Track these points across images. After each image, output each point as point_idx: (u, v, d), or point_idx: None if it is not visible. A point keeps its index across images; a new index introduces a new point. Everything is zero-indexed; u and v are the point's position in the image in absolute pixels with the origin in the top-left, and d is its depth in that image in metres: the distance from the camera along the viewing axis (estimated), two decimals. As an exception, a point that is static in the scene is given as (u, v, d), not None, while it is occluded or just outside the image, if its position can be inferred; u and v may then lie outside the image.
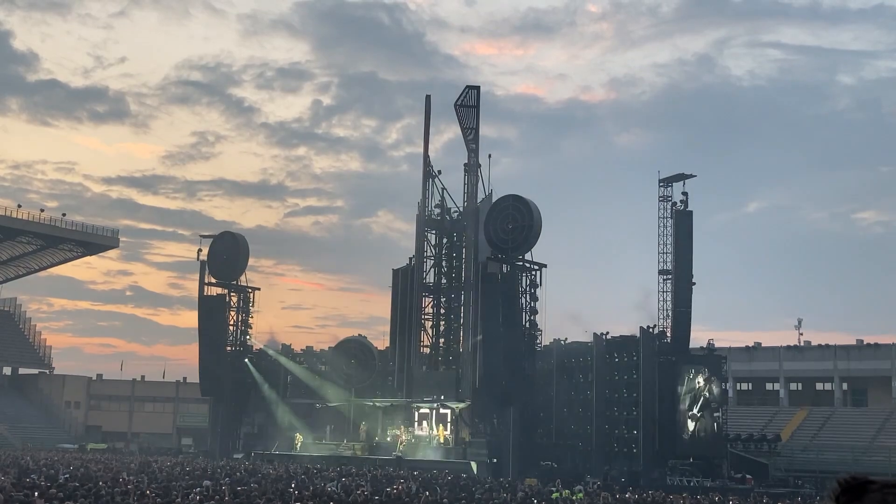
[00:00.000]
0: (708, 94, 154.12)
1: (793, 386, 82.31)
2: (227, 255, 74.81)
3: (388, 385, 70.06)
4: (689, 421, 59.00)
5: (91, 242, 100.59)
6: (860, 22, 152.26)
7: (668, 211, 63.60)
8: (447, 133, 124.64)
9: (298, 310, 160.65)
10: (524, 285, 59.61)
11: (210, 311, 73.99)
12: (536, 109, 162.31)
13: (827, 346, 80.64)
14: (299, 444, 66.39)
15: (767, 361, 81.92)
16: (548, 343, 64.34)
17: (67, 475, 35.95)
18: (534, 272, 59.94)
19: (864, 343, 79.47)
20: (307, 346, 78.16)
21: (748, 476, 56.72)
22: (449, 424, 63.83)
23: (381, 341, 73.19)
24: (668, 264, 63.15)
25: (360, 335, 74.63)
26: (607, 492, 40.23)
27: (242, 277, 75.13)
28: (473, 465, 55.80)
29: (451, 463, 56.32)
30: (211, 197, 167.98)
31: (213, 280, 75.20)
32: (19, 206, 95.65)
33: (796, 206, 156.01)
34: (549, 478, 50.66)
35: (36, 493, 25.33)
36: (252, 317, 75.84)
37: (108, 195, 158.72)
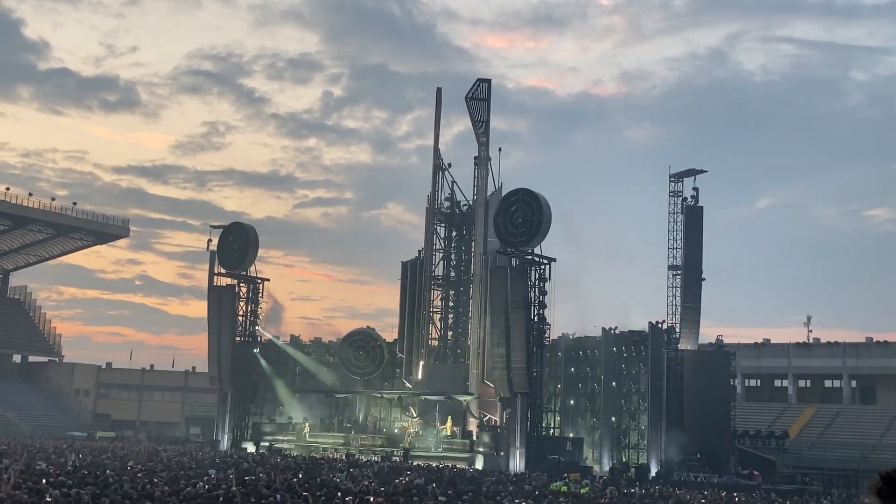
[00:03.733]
0: (720, 89, 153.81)
1: (801, 383, 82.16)
2: (237, 245, 74.92)
3: (397, 377, 70.19)
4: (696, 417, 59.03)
5: (101, 231, 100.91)
6: (874, 18, 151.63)
7: (679, 206, 63.55)
8: (458, 125, 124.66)
9: (307, 301, 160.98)
10: (533, 279, 59.57)
11: (219, 301, 74.13)
12: (547, 103, 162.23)
13: (836, 343, 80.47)
14: (307, 433, 66.51)
15: (776, 358, 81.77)
16: (556, 337, 64.37)
17: (72, 464, 36.13)
18: (543, 266, 59.88)
19: (874, 341, 79.30)
20: (315, 338, 78.36)
21: (755, 472, 56.63)
22: (456, 417, 63.84)
23: (389, 333, 73.36)
24: (678, 260, 63.12)
25: (368, 327, 74.73)
26: (614, 486, 40.23)
27: (252, 268, 75.24)
28: (480, 458, 55.85)
29: (458, 456, 56.38)
30: (221, 187, 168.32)
31: (223, 270, 75.31)
32: (30, 194, 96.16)
33: (807, 203, 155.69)
34: (556, 472, 50.70)
35: (44, 481, 25.45)
36: (261, 307, 76.02)
37: (118, 184, 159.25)
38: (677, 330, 61.93)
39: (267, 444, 66.31)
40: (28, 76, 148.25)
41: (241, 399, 73.78)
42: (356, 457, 55.52)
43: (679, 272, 63.06)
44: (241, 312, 74.78)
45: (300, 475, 34.30)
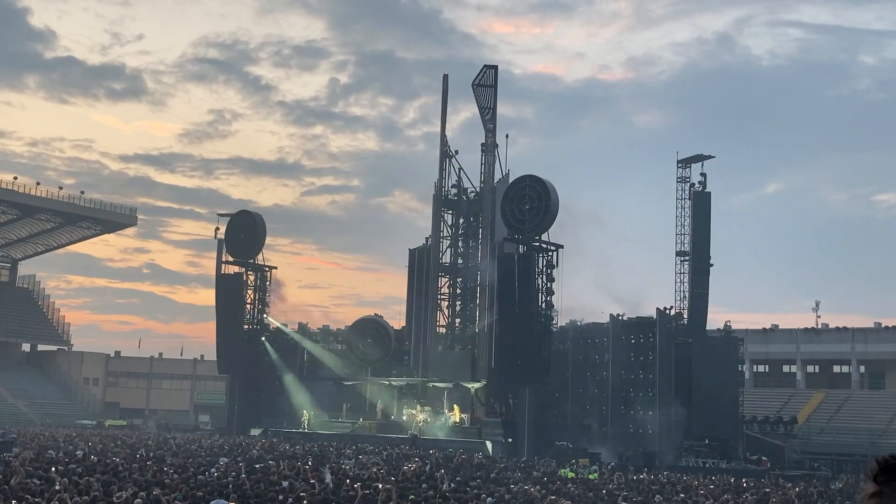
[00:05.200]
0: (727, 74, 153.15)
1: (810, 368, 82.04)
2: (245, 233, 74.97)
3: (404, 364, 70.26)
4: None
5: (109, 220, 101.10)
6: (882, 1, 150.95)
7: (686, 192, 63.29)
8: (464, 112, 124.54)
9: (315, 289, 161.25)
10: (540, 266, 59.49)
11: (227, 289, 74.21)
12: (554, 88, 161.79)
13: (844, 328, 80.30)
14: (306, 421, 66.65)
15: (784, 343, 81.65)
16: (564, 324, 64.34)
17: (82, 452, 36.28)
18: (550, 253, 59.79)
19: (882, 325, 79.12)
20: (323, 325, 78.53)
21: (764, 458, 56.62)
22: (464, 404, 63.95)
23: (397, 321, 73.41)
24: (686, 246, 62.91)
25: (376, 314, 74.77)
26: (622, 472, 40.26)
27: (259, 256, 75.30)
28: (489, 444, 55.93)
29: (466, 442, 56.47)
30: (228, 175, 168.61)
31: (231, 258, 75.37)
32: (38, 183, 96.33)
33: (815, 188, 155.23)
34: (565, 458, 50.74)
35: (54, 469, 25.56)
36: (269, 295, 76.10)
37: (125, 173, 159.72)
38: (685, 316, 61.82)
39: (275, 431, 66.48)
40: (34, 65, 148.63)
41: (250, 387, 73.93)
42: (364, 444, 55.59)
43: (687, 258, 62.88)
44: (248, 300, 74.90)
45: (309, 462, 34.40)
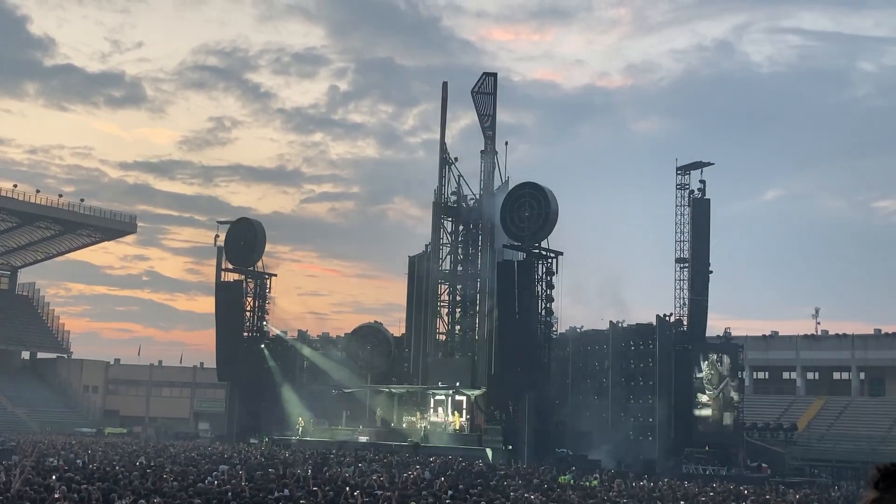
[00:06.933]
0: (726, 81, 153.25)
1: (810, 375, 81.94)
2: (244, 241, 74.97)
3: (404, 372, 70.21)
4: (704, 409, 58.94)
5: (109, 227, 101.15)
6: (882, 8, 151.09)
7: (686, 199, 63.29)
8: (464, 119, 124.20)
9: (315, 296, 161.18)
10: (540, 273, 59.51)
11: (227, 296, 74.17)
12: (553, 96, 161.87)
13: (844, 335, 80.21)
14: (301, 428, 66.59)
15: (784, 350, 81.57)
16: (563, 331, 64.31)
17: (81, 460, 36.28)
18: (550, 260, 59.82)
19: (882, 332, 79.02)
20: (323, 333, 78.50)
21: (764, 465, 56.53)
22: (464, 411, 63.91)
23: (396, 328, 73.44)
24: (685, 253, 62.89)
25: (376, 322, 74.80)
26: (622, 479, 40.22)
27: (259, 263, 75.27)
28: (489, 451, 55.89)
29: (466, 450, 56.41)
30: (227, 183, 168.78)
31: (230, 266, 75.34)
32: (37, 191, 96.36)
33: (815, 195, 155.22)
34: (565, 465, 50.67)
35: (54, 477, 25.52)
36: (269, 303, 76.04)
37: (124, 180, 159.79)
38: (685, 323, 61.80)
39: (275, 438, 66.41)
40: (34, 73, 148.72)
41: (249, 394, 73.84)
42: (364, 451, 55.52)
43: (686, 265, 62.86)
44: (248, 308, 74.84)
45: (308, 470, 34.35)
